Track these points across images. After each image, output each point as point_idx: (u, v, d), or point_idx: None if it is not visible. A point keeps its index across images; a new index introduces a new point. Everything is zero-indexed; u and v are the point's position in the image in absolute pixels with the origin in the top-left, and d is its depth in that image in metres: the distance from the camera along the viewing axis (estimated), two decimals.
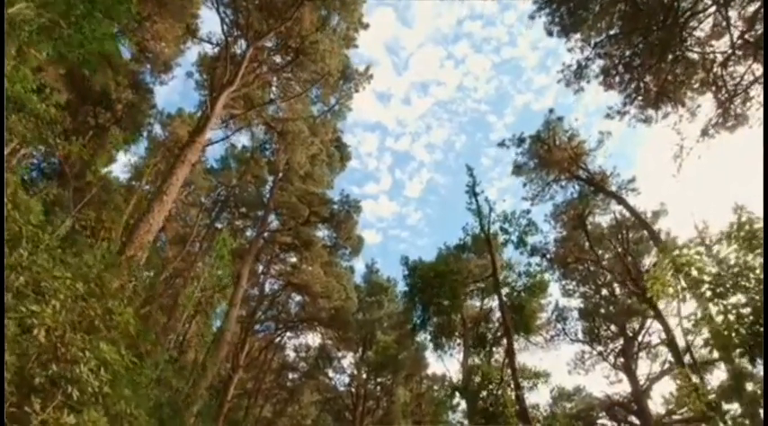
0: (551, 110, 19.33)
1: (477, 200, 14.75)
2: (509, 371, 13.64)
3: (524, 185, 21.32)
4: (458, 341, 31.79)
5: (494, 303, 15.04)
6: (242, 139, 39.56)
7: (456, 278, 15.21)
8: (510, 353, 12.41)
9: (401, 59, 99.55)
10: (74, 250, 7.09)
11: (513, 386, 12.02)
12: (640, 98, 16.64)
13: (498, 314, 15.10)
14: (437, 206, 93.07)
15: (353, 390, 35.65)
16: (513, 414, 14.80)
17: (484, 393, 14.83)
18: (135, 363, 5.97)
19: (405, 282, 16.16)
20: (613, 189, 19.22)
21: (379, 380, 34.56)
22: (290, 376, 41.75)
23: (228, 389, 26.86)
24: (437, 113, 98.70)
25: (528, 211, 17.23)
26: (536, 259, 16.95)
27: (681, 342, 16.25)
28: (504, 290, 15.00)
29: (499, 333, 16.66)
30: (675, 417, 23.18)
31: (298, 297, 33.01)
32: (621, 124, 17.57)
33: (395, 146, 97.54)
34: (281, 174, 30.80)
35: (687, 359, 15.62)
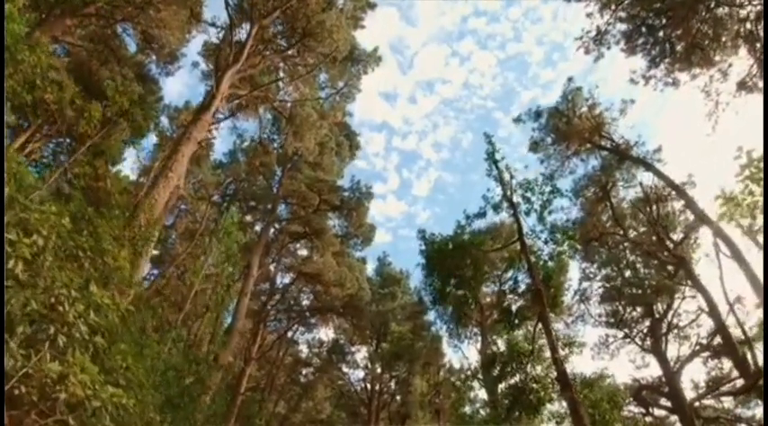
0: (570, 79, 18.48)
1: (497, 166, 13.94)
2: (540, 340, 12.80)
3: (542, 162, 20.50)
4: (474, 330, 31.04)
5: (519, 274, 14.24)
6: (250, 129, 38.96)
7: (479, 247, 14.35)
8: (543, 317, 11.58)
9: (406, 59, 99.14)
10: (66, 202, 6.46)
11: (550, 351, 11.14)
12: (667, 60, 15.72)
13: (523, 287, 14.31)
14: (445, 204, 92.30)
15: (368, 385, 34.97)
16: (548, 385, 14.01)
17: (512, 365, 13.98)
18: (131, 312, 5.30)
19: (422, 256, 15.41)
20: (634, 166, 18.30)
21: (394, 373, 33.82)
22: (304, 371, 41.31)
23: (241, 382, 26.36)
24: (443, 111, 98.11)
25: (551, 177, 16.36)
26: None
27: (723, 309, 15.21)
28: (531, 259, 14.15)
29: (526, 307, 15.77)
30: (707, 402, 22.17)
31: (310, 291, 32.43)
32: (639, 103, 16.66)
33: (401, 145, 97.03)
34: (289, 165, 30.29)
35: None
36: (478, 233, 17.12)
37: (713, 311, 14.87)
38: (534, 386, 14.11)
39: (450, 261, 14.00)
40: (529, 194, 13.67)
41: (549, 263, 13.96)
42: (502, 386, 16.88)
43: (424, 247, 14.94)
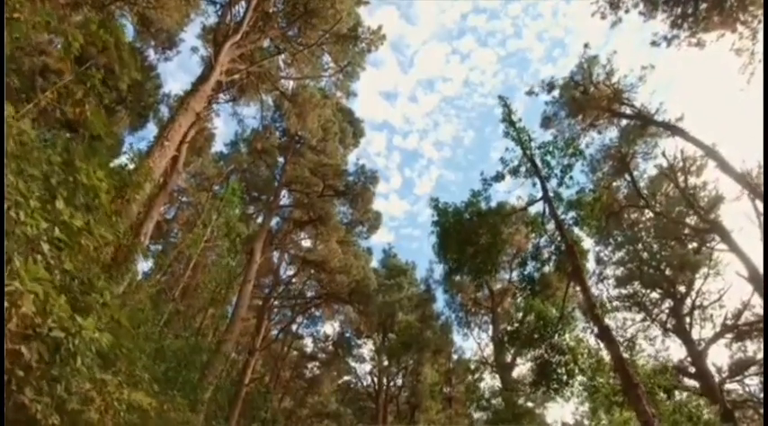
0: (586, 46, 17.51)
1: (515, 127, 12.97)
2: (568, 305, 11.96)
3: (555, 138, 19.49)
4: (485, 318, 30.16)
5: (542, 240, 13.33)
6: (251, 116, 38.14)
7: (497, 213, 13.45)
8: (577, 271, 10.63)
9: (406, 57, 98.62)
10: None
11: (588, 308, 10.18)
12: (690, 19, 14.80)
13: (545, 255, 13.36)
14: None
15: (375, 378, 34.15)
16: (581, 353, 13.11)
17: (539, 334, 13.10)
18: (111, 244, 4.47)
19: (435, 226, 14.43)
20: (657, 131, 17.36)
21: (402, 365, 32.98)
22: (309, 366, 40.67)
23: (246, 373, 25.66)
24: (444, 110, 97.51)
25: (573, 139, 15.42)
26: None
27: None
28: (551, 225, 13.16)
29: (548, 276, 14.86)
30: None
31: (315, 280, 31.60)
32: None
33: (403, 144, 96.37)
34: (292, 151, 29.51)
35: None
36: (502, 176, 15.80)
37: (754, 276, 13.89)
38: (562, 358, 13.17)
39: (466, 230, 13.10)
40: (548, 157, 12.82)
41: (575, 229, 13.06)
42: (522, 362, 15.99)
43: (436, 217, 14.07)
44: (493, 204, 13.59)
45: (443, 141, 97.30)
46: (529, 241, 18.96)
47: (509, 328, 14.54)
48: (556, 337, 13.19)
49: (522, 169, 12.86)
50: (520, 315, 15.27)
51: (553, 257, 12.86)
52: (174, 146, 13.64)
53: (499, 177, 13.14)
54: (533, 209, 14.81)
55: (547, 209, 12.18)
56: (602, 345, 12.30)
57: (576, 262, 10.67)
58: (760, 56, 12.77)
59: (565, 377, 13.34)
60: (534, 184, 12.83)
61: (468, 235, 12.92)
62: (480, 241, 12.93)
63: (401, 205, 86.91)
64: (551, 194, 12.16)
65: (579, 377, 13.43)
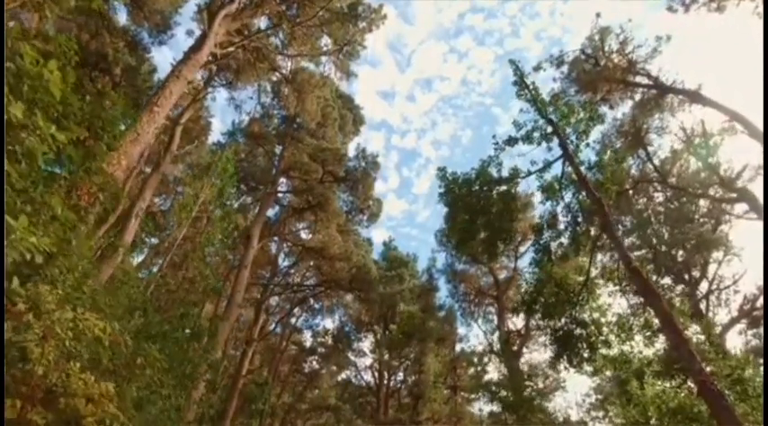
0: (598, 15, 16.61)
1: (528, 88, 12.10)
2: (595, 265, 11.19)
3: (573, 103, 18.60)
4: (489, 308, 29.38)
5: (558, 207, 12.42)
6: (248, 101, 37.38)
7: (511, 179, 12.59)
8: (606, 224, 9.73)
9: (404, 57, 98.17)
10: None
11: (623, 261, 9.31)
12: None
13: (563, 223, 12.48)
14: None
15: (376, 373, 33.35)
16: (609, 322, 12.34)
17: (558, 305, 12.28)
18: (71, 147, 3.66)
19: (442, 198, 13.49)
20: (675, 102, 16.55)
21: (402, 359, 32.16)
22: (309, 359, 39.92)
23: (243, 363, 24.90)
24: (442, 109, 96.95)
25: (588, 103, 14.58)
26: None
27: None
28: (570, 193, 12.28)
29: (564, 248, 13.96)
30: None
31: (314, 266, 30.78)
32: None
33: (401, 143, 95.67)
34: (290, 138, 28.70)
35: None
36: (516, 140, 14.80)
37: None
38: (584, 331, 12.30)
39: (476, 198, 12.25)
40: (563, 122, 11.95)
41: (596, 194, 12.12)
42: (528, 352, 15.07)
43: (443, 189, 13.14)
44: (504, 173, 12.77)
45: (441, 140, 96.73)
46: (533, 229, 18.17)
47: (524, 298, 13.59)
48: (578, 307, 12.32)
49: (537, 134, 12.03)
50: (533, 289, 14.45)
51: (569, 228, 12.04)
52: (164, 113, 12.89)
53: (512, 141, 12.28)
54: (548, 176, 13.86)
55: (567, 168, 11.37)
56: (630, 312, 11.66)
57: (606, 217, 9.84)
58: None
59: (587, 353, 12.51)
60: (550, 149, 12.05)
61: (478, 203, 12.09)
62: (492, 209, 12.12)
63: (399, 204, 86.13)
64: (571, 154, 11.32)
65: (603, 351, 12.60)
